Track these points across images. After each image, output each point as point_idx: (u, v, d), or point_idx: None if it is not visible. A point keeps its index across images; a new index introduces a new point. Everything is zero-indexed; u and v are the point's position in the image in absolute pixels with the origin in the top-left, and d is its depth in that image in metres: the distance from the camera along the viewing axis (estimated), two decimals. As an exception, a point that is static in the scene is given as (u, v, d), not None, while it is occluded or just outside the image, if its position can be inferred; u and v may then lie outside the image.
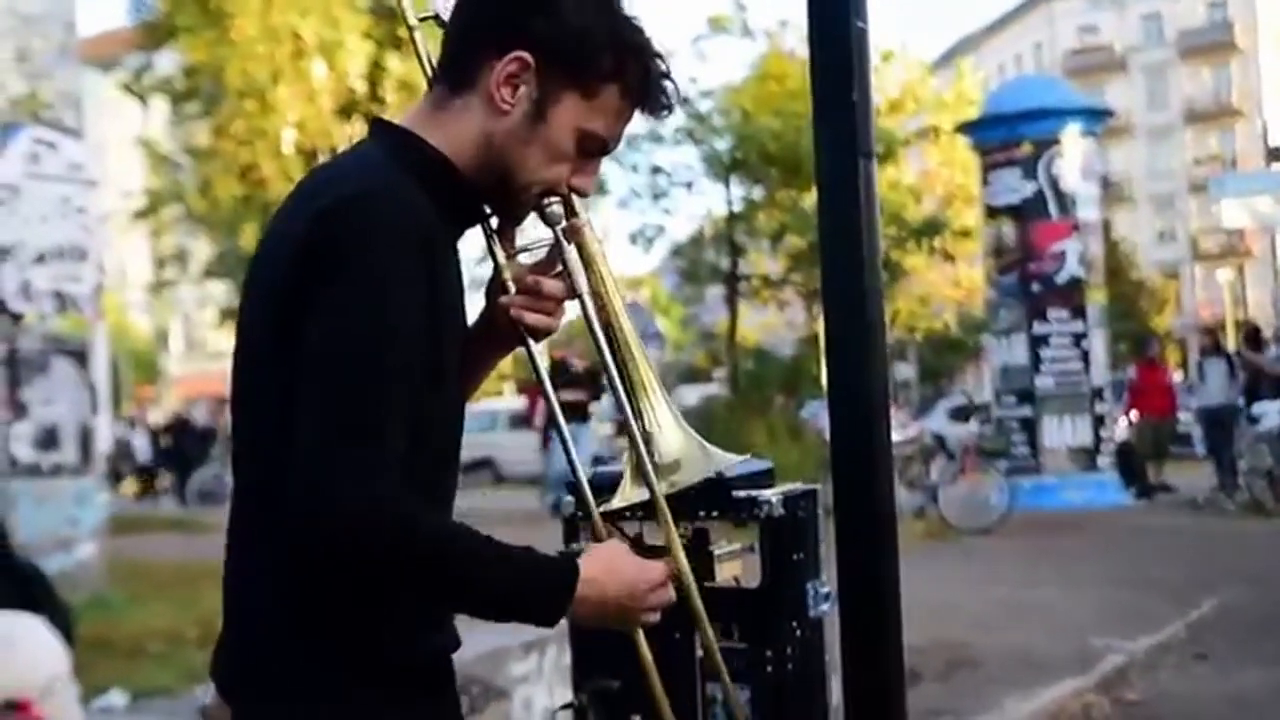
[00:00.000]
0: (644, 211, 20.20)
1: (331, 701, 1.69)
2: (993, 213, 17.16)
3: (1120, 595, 9.40)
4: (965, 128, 18.95)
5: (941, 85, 29.43)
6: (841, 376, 2.43)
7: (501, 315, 1.87)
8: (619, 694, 2.38)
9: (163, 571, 9.92)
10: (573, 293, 1.85)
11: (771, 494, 2.37)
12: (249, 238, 18.47)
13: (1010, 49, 66.02)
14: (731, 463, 2.01)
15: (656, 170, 19.14)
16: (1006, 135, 16.86)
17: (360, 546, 1.57)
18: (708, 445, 1.98)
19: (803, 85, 17.44)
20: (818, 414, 18.76)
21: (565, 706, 2.43)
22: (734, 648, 2.28)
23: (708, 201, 19.33)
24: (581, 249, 1.89)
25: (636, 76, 1.80)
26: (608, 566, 1.78)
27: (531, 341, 1.88)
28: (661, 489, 1.92)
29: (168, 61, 20.83)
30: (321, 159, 20.76)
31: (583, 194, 1.86)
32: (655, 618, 1.85)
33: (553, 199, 1.83)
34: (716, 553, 2.32)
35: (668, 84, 1.84)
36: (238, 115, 18.97)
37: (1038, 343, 16.67)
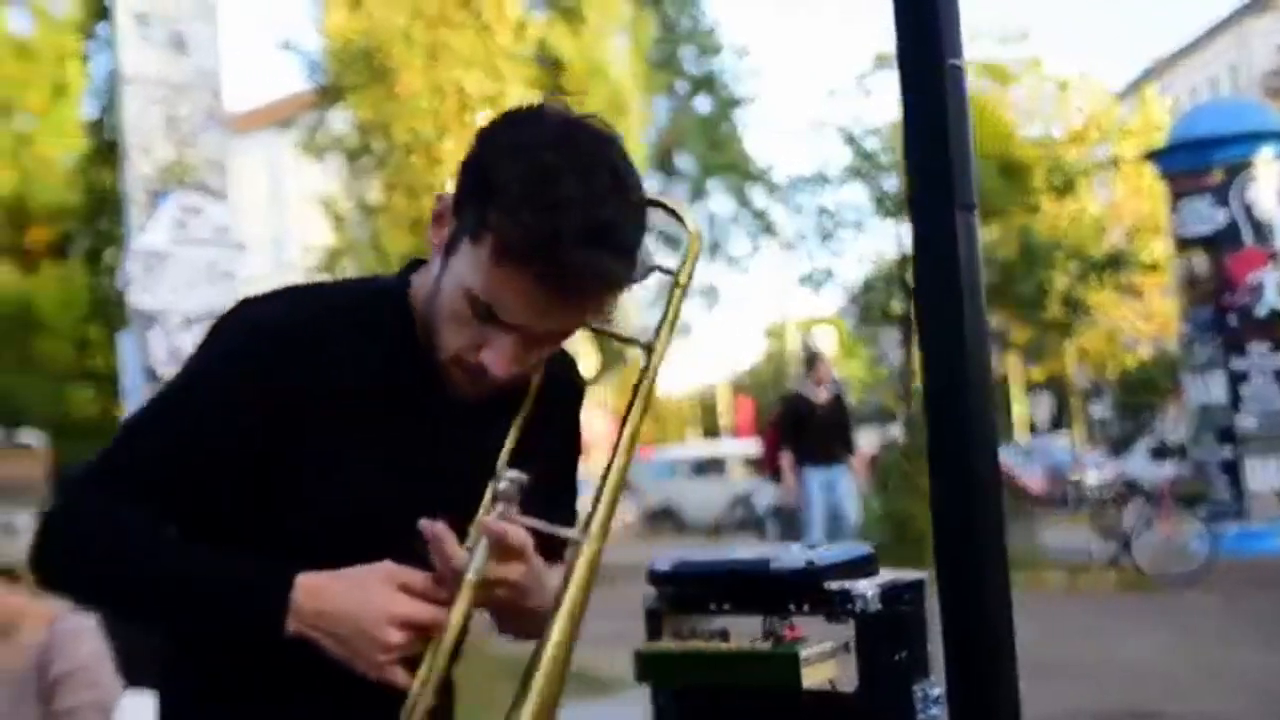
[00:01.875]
0: (812, 254, 19.84)
1: None
2: (1183, 244, 16.36)
3: (1335, 659, 8.64)
4: (1152, 156, 18.15)
5: (1131, 113, 28.41)
6: (945, 455, 2.12)
7: None
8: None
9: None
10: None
11: (867, 586, 2.12)
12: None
13: (1203, 72, 63.83)
14: None
15: (823, 211, 18.86)
16: (1196, 162, 16.08)
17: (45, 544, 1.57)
18: None
19: (975, 117, 16.99)
20: (1001, 460, 18.06)
21: None
22: (830, 758, 2.05)
23: (877, 242, 19.08)
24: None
25: (515, 230, 1.48)
26: (343, 582, 1.55)
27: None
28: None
29: (341, 120, 21.38)
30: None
31: (489, 373, 1.57)
32: (389, 661, 1.53)
33: (507, 482, 1.57)
34: (802, 654, 2.08)
35: (557, 232, 1.48)
36: (405, 170, 19.31)
37: (1237, 379, 15.79)
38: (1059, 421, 34.31)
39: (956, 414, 2.05)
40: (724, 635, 2.20)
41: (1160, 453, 16.82)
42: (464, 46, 19.67)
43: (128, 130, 8.80)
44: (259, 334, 1.62)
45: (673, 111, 25.03)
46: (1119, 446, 34.73)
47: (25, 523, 3.43)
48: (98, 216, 24.15)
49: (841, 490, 11.88)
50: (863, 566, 2.22)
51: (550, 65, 20.93)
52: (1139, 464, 17.01)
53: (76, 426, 22.41)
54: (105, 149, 24.32)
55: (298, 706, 1.66)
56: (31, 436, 9.11)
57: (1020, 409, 38.42)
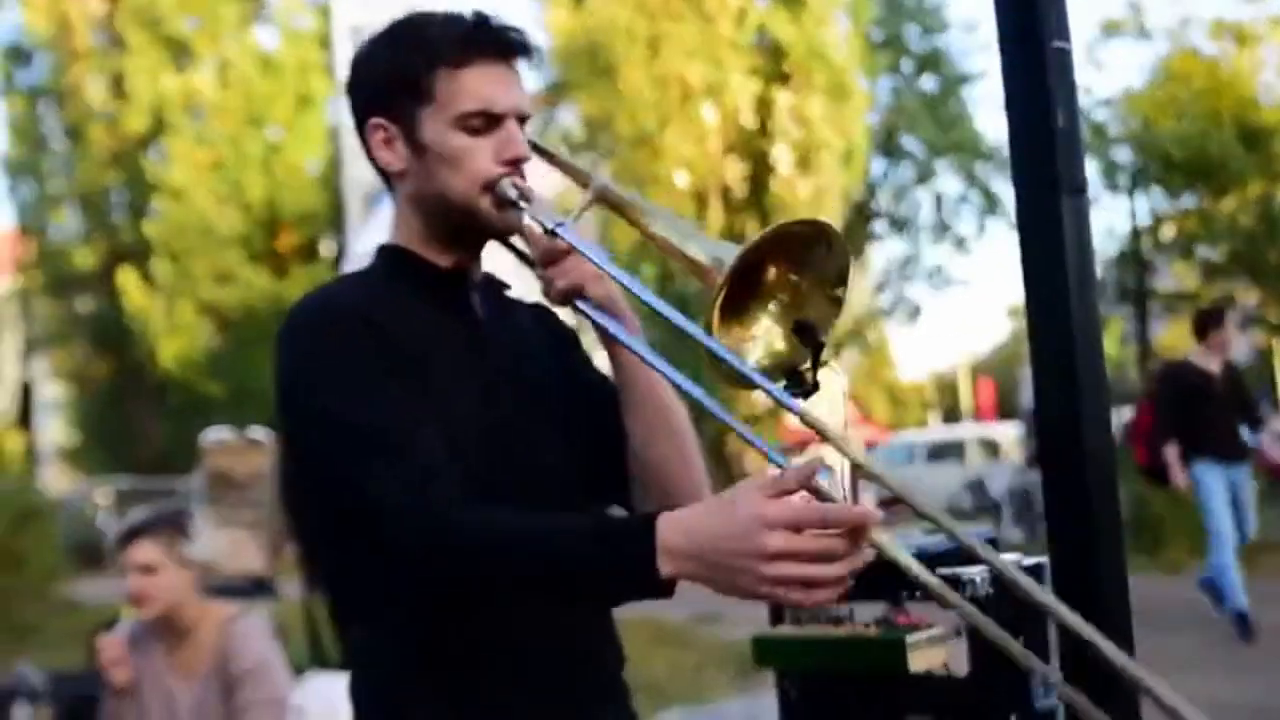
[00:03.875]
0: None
1: None
2: None
3: None
4: None
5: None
6: (1057, 441, 2.09)
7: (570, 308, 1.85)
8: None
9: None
10: (551, 234, 1.78)
11: (977, 571, 2.13)
12: (645, 278, 19.01)
13: None
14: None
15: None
16: None
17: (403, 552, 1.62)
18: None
19: (1210, 84, 16.20)
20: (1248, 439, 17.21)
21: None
22: (950, 744, 2.12)
23: (1108, 217, 18.35)
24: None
25: (448, 45, 1.81)
26: (703, 508, 1.50)
27: (590, 308, 1.79)
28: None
29: (569, 117, 21.81)
30: (713, 199, 21.22)
31: (521, 160, 1.83)
32: (793, 578, 1.43)
33: (498, 185, 1.80)
34: (909, 640, 2.10)
35: (484, 22, 1.83)
36: (630, 163, 19.57)
37: None
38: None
39: (1068, 402, 2.03)
40: (840, 620, 2.24)
41: None
42: (686, 37, 19.83)
43: (345, 138, 9.20)
44: (327, 310, 1.80)
45: (897, 91, 24.66)
46: None
47: (199, 531, 3.68)
48: (342, 221, 25.29)
49: (1246, 495, 8.95)
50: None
51: (771, 51, 20.88)
52: None
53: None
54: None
55: (506, 692, 1.76)
56: (259, 432, 9.63)
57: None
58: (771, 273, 1.63)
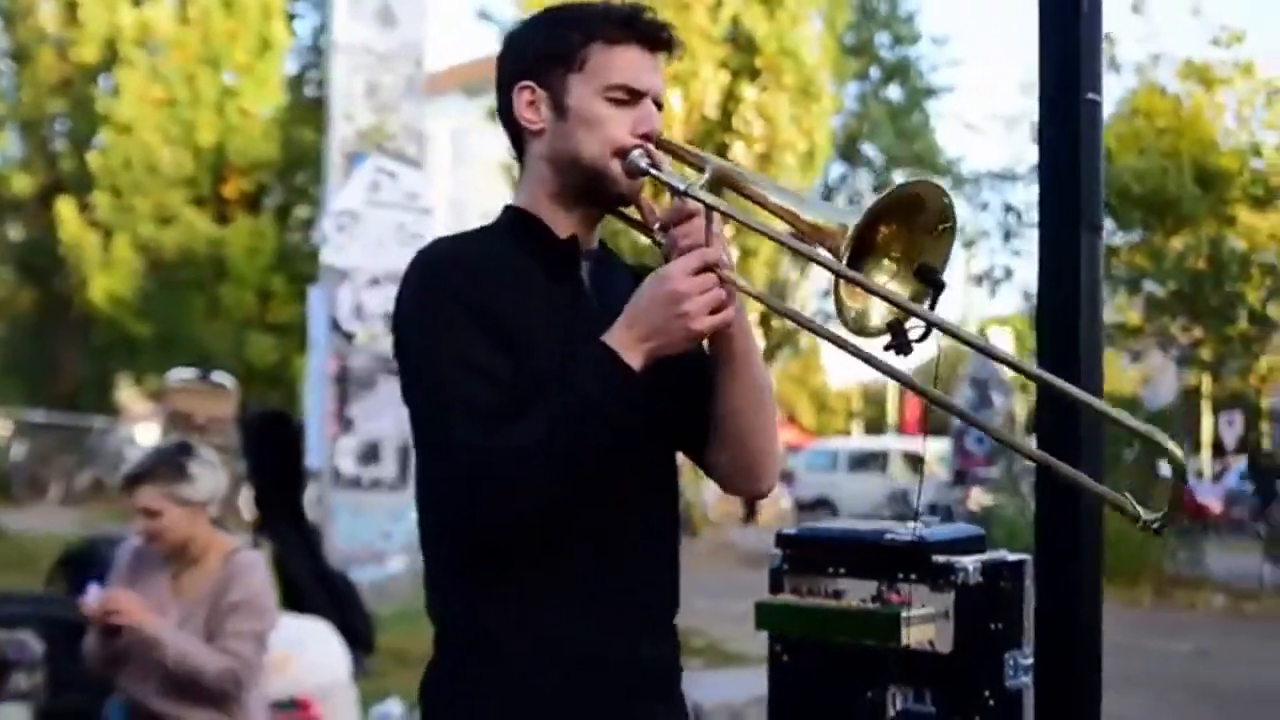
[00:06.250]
0: (993, 252, 19.60)
1: None
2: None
3: None
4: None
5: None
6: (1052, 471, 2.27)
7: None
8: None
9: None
10: (683, 195, 1.91)
11: (969, 561, 2.36)
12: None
13: None
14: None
15: (1008, 209, 18.57)
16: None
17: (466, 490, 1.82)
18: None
19: (1174, 122, 16.50)
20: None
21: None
22: (924, 711, 2.36)
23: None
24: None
25: (606, 24, 2.00)
26: (630, 307, 1.87)
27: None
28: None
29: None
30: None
31: (654, 136, 2.00)
32: (706, 306, 1.83)
33: (630, 154, 1.97)
34: (904, 616, 2.33)
35: (640, 12, 2.01)
36: (593, 143, 19.56)
37: None
38: (1246, 442, 32.97)
39: (1068, 421, 2.21)
40: (838, 596, 2.43)
41: None
42: (659, 23, 19.85)
43: (333, 95, 9.22)
44: (442, 263, 1.98)
45: (863, 98, 24.91)
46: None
47: (199, 469, 3.81)
48: (292, 172, 24.93)
49: None
50: (969, 545, 2.45)
51: (743, 46, 20.99)
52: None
53: (257, 374, 23.23)
54: (303, 107, 25.09)
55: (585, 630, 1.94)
56: (223, 377, 9.66)
57: (1207, 428, 37.12)
58: (883, 231, 1.84)
